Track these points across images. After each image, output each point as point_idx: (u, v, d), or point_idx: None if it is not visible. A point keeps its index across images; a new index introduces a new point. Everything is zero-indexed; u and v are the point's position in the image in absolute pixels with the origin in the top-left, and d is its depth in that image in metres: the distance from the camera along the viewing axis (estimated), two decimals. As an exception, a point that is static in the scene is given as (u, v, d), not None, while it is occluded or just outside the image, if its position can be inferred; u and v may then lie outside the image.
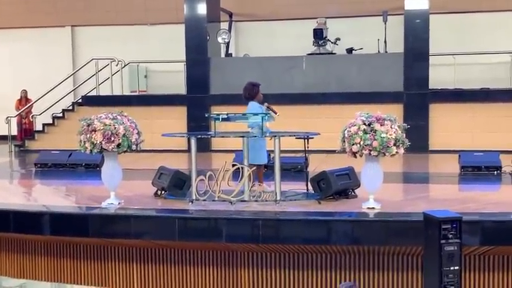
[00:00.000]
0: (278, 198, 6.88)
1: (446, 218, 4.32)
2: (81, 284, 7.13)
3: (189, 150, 9.12)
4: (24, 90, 16.23)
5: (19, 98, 16.26)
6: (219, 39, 14.81)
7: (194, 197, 6.99)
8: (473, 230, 5.90)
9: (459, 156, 10.00)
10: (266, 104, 8.02)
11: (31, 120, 15.74)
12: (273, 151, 7.16)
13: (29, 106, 15.86)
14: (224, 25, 15.86)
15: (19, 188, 9.86)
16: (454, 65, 14.28)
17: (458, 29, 15.39)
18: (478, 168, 9.64)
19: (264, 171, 8.15)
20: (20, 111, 15.75)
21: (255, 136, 7.34)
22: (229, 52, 15.57)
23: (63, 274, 7.19)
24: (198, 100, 13.84)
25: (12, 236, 7.25)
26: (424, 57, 13.01)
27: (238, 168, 7.10)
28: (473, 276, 6.30)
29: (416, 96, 13.02)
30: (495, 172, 9.54)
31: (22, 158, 13.57)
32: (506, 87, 13.83)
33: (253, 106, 7.94)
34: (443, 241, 4.25)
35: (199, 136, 7.75)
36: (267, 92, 13.12)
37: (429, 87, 13.11)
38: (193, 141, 7.30)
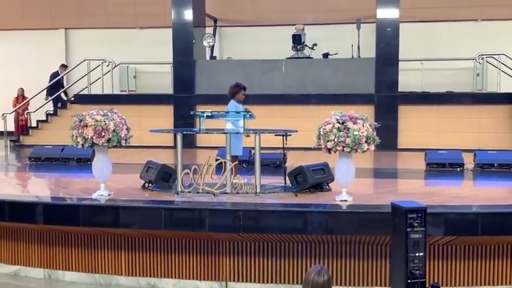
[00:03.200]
0: (258, 190, 6.90)
1: (412, 208, 4.35)
2: (72, 270, 7.07)
3: (175, 146, 9.08)
4: (21, 88, 16.04)
5: (16, 96, 16.05)
6: (204, 43, 14.77)
7: (179, 189, 6.98)
8: (437, 221, 5.98)
9: (425, 154, 10.09)
10: (245, 106, 8.11)
11: (26, 117, 15.57)
12: (253, 147, 7.18)
13: (25, 103, 15.66)
14: (209, 30, 15.82)
15: (14, 180, 9.74)
16: (421, 70, 14.39)
17: (425, 36, 15.49)
18: (442, 165, 9.73)
19: (240, 165, 8.17)
20: (16, 108, 15.57)
21: (238, 133, 7.33)
22: (214, 55, 15.53)
23: (55, 261, 7.13)
24: (184, 99, 13.79)
25: (7, 225, 7.19)
26: (394, 62, 13.08)
27: (221, 162, 7.10)
28: (437, 264, 6.37)
29: (387, 98, 13.09)
30: (458, 169, 9.64)
31: (17, 153, 13.41)
32: (469, 91, 13.99)
33: (230, 105, 8.15)
34: (409, 229, 4.28)
35: (185, 132, 7.72)
36: (248, 92, 13.22)
37: (398, 90, 13.18)
38: (179, 137, 7.30)
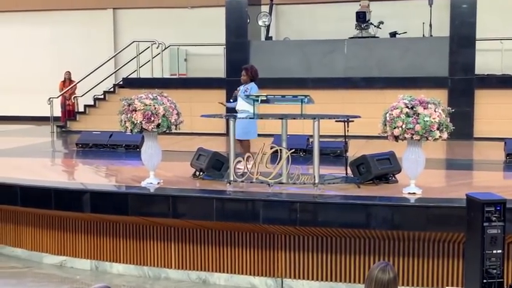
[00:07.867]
0: (316, 181, 6.87)
1: (489, 201, 4.25)
2: (120, 262, 7.26)
3: (227, 134, 9.15)
4: (68, 72, 16.30)
5: (63, 79, 16.38)
6: (260, 22, 14.78)
7: (232, 178, 7.04)
8: (517, 218, 5.80)
9: (505, 143, 9.83)
10: (243, 87, 8.75)
11: (73, 101, 15.94)
12: (311, 135, 7.14)
13: (72, 87, 16.03)
14: (265, 8, 15.80)
15: (60, 167, 10.08)
16: (501, 51, 13.95)
17: (506, 12, 14.98)
18: (524, 156, 9.46)
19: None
20: (62, 92, 15.95)
21: (300, 118, 7.31)
22: (270, 35, 15.51)
23: (102, 252, 7.35)
24: (238, 83, 13.72)
25: (53, 213, 7.44)
26: (471, 42, 12.73)
27: (277, 150, 7.10)
28: (516, 265, 6.20)
29: (462, 82, 12.78)
30: (542, 160, 9.35)
31: (64, 139, 13.84)
32: (556, 74, 13.46)
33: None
34: (486, 224, 4.18)
35: (239, 118, 7.76)
36: (307, 76, 13.26)
37: (475, 73, 12.85)
38: (232, 123, 7.35)
